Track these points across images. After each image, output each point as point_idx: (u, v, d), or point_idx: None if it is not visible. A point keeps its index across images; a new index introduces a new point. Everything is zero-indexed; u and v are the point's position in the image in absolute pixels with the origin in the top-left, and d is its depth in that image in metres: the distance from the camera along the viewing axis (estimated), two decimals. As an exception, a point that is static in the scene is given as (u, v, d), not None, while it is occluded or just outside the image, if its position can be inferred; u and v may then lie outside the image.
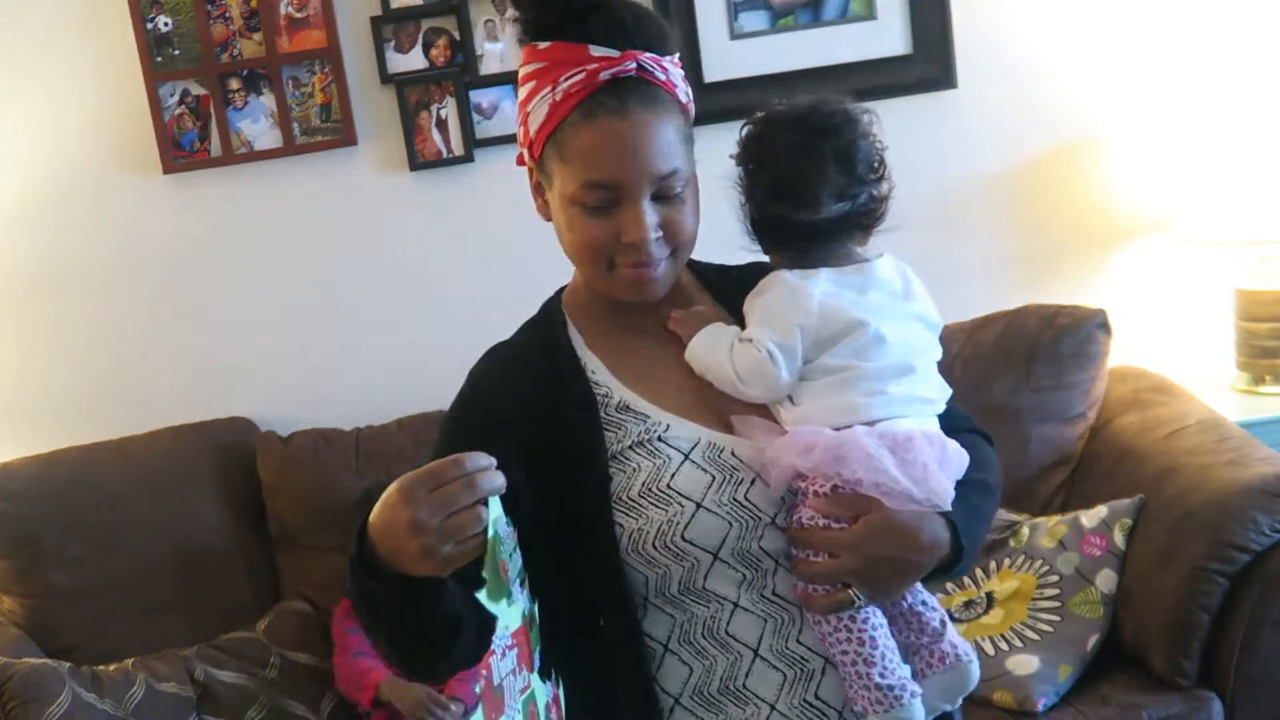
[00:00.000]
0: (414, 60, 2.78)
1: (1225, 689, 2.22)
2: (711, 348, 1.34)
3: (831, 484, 1.26)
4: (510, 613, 1.11)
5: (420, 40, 2.77)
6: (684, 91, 1.35)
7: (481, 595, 1.08)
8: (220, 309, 2.87)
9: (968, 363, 2.69)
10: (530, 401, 1.36)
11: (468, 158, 2.81)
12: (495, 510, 1.10)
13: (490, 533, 1.08)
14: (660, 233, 1.32)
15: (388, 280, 2.88)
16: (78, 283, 2.83)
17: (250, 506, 2.74)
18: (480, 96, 2.79)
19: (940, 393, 1.37)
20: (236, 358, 2.88)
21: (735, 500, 1.28)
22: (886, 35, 2.80)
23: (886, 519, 1.25)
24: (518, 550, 1.16)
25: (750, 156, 1.41)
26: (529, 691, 1.15)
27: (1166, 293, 2.89)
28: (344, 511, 2.60)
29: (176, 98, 2.76)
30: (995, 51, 2.83)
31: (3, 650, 2.44)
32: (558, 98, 1.28)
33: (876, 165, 1.42)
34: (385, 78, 2.78)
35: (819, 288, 1.33)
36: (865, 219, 1.39)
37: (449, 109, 2.78)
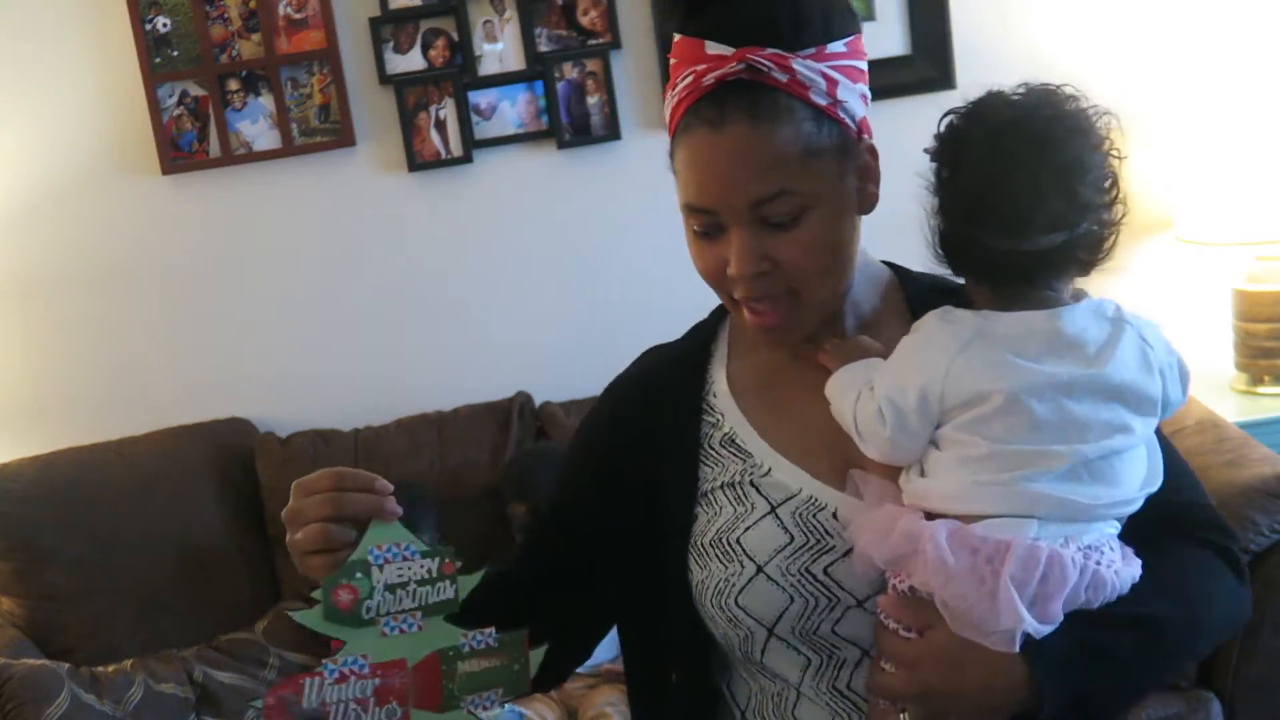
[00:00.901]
0: (413, 61, 2.78)
1: (1224, 689, 2.22)
2: (845, 387, 1.13)
3: (910, 583, 1.04)
4: (367, 641, 1.06)
5: (419, 41, 2.77)
6: (822, 92, 1.10)
7: (299, 614, 1.05)
8: (219, 310, 2.87)
9: (967, 363, 2.69)
10: (647, 417, 1.22)
11: (466, 158, 2.81)
12: (386, 534, 1.08)
13: (356, 555, 1.06)
14: (766, 267, 1.10)
15: (386, 281, 2.88)
16: (76, 284, 2.83)
17: (249, 507, 2.74)
18: (479, 97, 2.79)
19: (1128, 491, 1.06)
20: (235, 359, 2.88)
21: (807, 572, 1.10)
22: (885, 36, 2.80)
23: (948, 642, 1.02)
24: (445, 585, 1.09)
25: (948, 158, 1.16)
26: None
27: (1165, 293, 2.89)
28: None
29: (175, 98, 2.76)
30: (994, 52, 2.83)
31: (2, 651, 2.44)
32: (673, 103, 1.11)
33: (1108, 186, 1.15)
34: (384, 78, 2.78)
35: (963, 338, 1.08)
36: (1085, 253, 1.12)
37: (448, 110, 2.78)
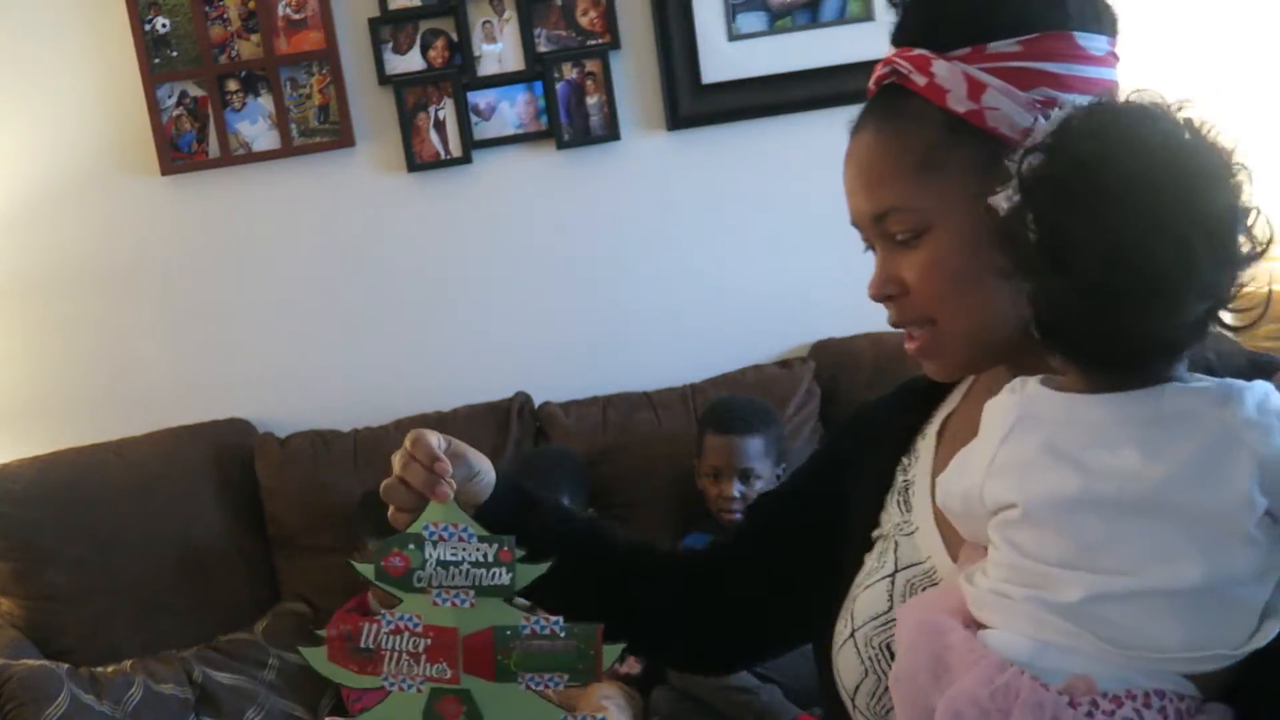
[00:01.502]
0: (412, 61, 2.78)
1: (1223, 690, 2.21)
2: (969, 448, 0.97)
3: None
4: (420, 605, 1.10)
5: (418, 41, 2.77)
6: (962, 98, 0.96)
7: (360, 563, 1.12)
8: (219, 310, 2.87)
9: (966, 364, 2.69)
10: (866, 441, 1.15)
11: (465, 159, 2.81)
12: (442, 513, 1.11)
13: (412, 528, 1.11)
14: (892, 289, 1.02)
15: (386, 281, 2.88)
16: (76, 284, 2.83)
17: (249, 508, 2.74)
18: (478, 98, 2.79)
19: (1166, 642, 0.84)
20: (235, 359, 2.88)
21: (887, 649, 1.01)
22: (885, 36, 2.79)
23: None
24: (500, 570, 1.10)
25: (1052, 206, 0.86)
26: (453, 691, 1.10)
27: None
28: (342, 513, 2.61)
29: (174, 99, 2.76)
30: (993, 53, 2.83)
31: (1, 651, 2.44)
32: None
33: (1253, 225, 0.90)
34: (383, 79, 2.78)
35: (1008, 422, 0.92)
36: (1217, 318, 0.88)
37: (447, 110, 2.78)
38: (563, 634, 1.08)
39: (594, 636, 1.07)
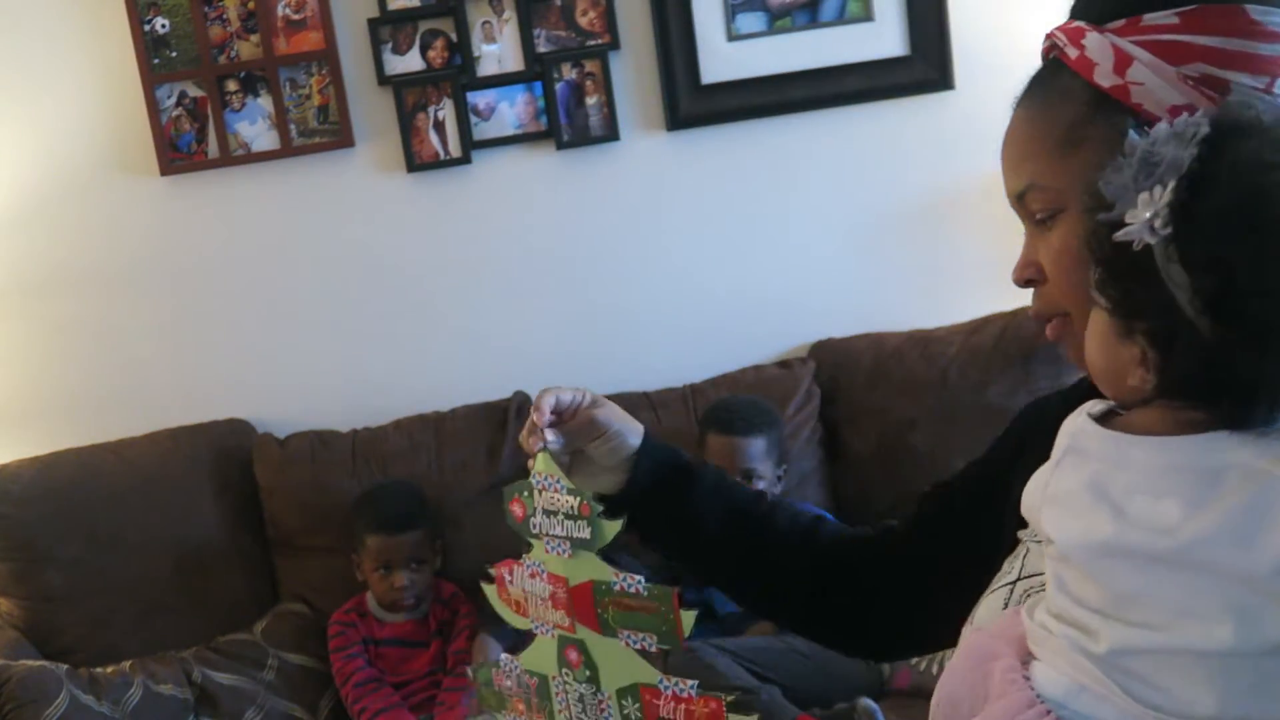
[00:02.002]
0: (411, 62, 2.78)
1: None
2: None
3: None
4: (539, 552, 1.14)
5: (417, 42, 2.77)
6: (1108, 72, 0.91)
7: (507, 487, 1.19)
8: (217, 311, 2.87)
9: (965, 364, 2.69)
10: (1032, 436, 1.06)
11: (465, 159, 2.80)
12: (547, 464, 1.15)
13: (531, 478, 1.16)
14: (1031, 273, 0.98)
15: (385, 282, 2.88)
16: (75, 285, 2.82)
17: (248, 508, 2.74)
18: (477, 98, 2.79)
19: (1224, 712, 0.78)
20: (234, 360, 2.88)
21: None
22: (884, 36, 2.80)
23: None
24: (583, 524, 1.11)
25: (1221, 244, 0.76)
26: (573, 640, 1.13)
27: (1164, 294, 2.89)
28: (341, 513, 2.61)
29: (174, 99, 2.76)
30: (993, 53, 2.83)
31: (1, 652, 2.44)
32: None
33: None
34: (382, 79, 2.78)
35: (1060, 448, 0.88)
36: None
37: (446, 111, 2.78)
38: (645, 594, 1.07)
39: (670, 598, 1.05)
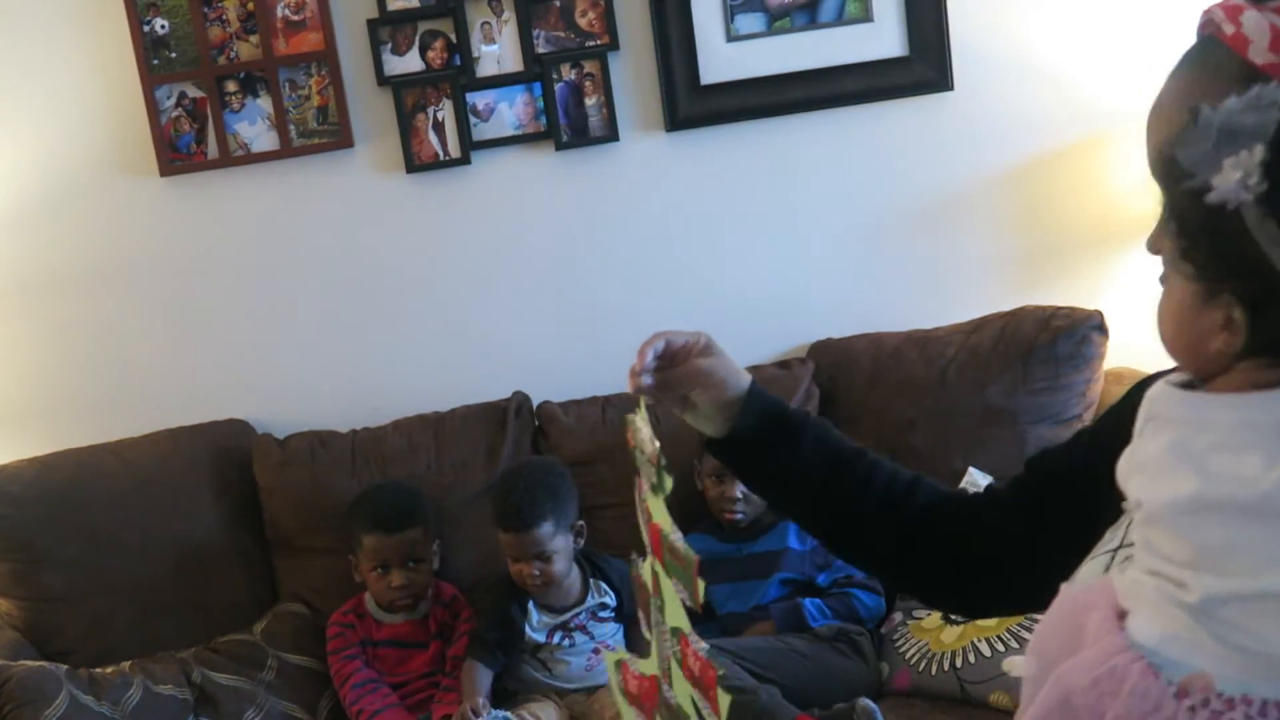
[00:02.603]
0: (411, 62, 2.78)
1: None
2: None
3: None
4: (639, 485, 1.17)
5: (417, 42, 2.77)
6: (1263, 49, 0.91)
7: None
8: (217, 311, 2.87)
9: (964, 365, 2.70)
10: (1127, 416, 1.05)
11: (464, 160, 2.81)
12: (643, 410, 1.18)
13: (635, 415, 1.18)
14: (1158, 247, 0.95)
15: (384, 282, 2.88)
16: (74, 285, 2.83)
17: (247, 509, 2.74)
18: (477, 99, 2.80)
19: None
20: (233, 360, 2.88)
21: None
22: (883, 37, 2.80)
23: None
24: (662, 475, 1.13)
25: None
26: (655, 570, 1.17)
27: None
28: (341, 513, 2.61)
29: (173, 100, 2.76)
30: (991, 53, 2.83)
31: (0, 652, 2.44)
32: None
33: None
34: (382, 80, 2.78)
35: (1142, 416, 0.93)
36: None
37: (446, 111, 2.78)
38: (681, 551, 1.10)
39: (692, 564, 1.09)
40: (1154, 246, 0.96)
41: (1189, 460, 0.86)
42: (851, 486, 1.31)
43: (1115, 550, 1.01)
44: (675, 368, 1.30)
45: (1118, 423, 1.08)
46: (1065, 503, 1.14)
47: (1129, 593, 0.90)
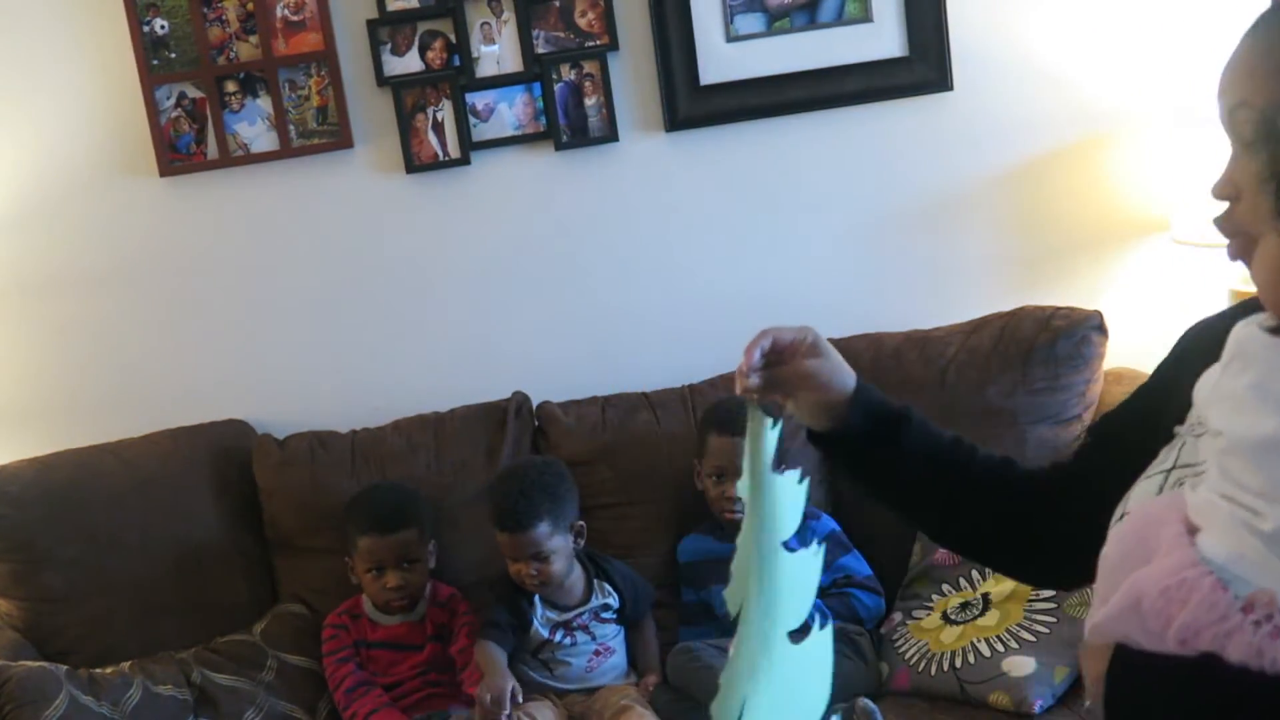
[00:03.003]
0: (410, 63, 2.78)
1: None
2: None
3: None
4: None
5: (416, 43, 2.77)
6: None
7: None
8: (216, 312, 2.87)
9: (964, 365, 2.69)
10: (1208, 348, 1.09)
11: (464, 160, 2.81)
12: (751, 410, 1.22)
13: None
14: (1229, 191, 0.98)
15: (384, 283, 2.88)
16: (74, 286, 2.83)
17: (247, 509, 2.74)
18: (476, 99, 2.80)
19: None
20: (233, 360, 2.88)
21: None
22: (882, 37, 2.80)
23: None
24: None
25: None
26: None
27: (1162, 295, 2.90)
28: (340, 514, 2.60)
29: (173, 100, 2.76)
30: (991, 54, 2.83)
31: (0, 653, 2.44)
32: None
33: None
34: (381, 80, 2.78)
35: (1228, 353, 1.00)
36: None
37: (445, 112, 2.79)
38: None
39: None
40: (1221, 192, 0.97)
41: (1270, 401, 0.92)
42: (955, 474, 1.36)
43: (1169, 471, 1.06)
44: (782, 365, 1.33)
45: (1172, 366, 1.18)
46: (1128, 459, 1.18)
47: (1201, 511, 0.95)
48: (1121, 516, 1.08)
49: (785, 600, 1.21)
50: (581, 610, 2.51)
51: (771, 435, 1.25)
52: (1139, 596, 0.93)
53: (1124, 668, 0.96)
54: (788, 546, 1.21)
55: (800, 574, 1.22)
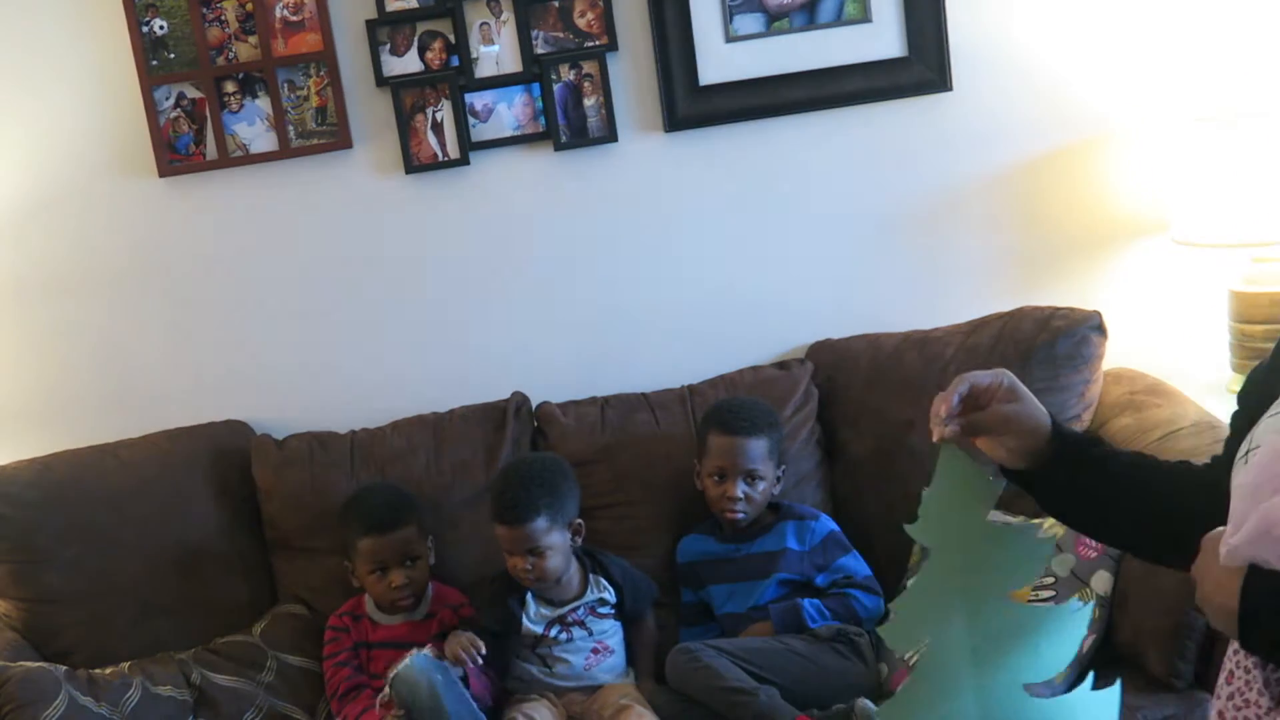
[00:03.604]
0: (409, 63, 2.78)
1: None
2: None
3: None
4: None
5: (415, 43, 2.77)
6: None
7: None
8: (215, 312, 2.87)
9: (963, 365, 2.69)
10: None
11: (463, 160, 2.81)
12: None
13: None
14: None
15: (383, 283, 2.88)
16: (73, 286, 2.83)
17: (246, 509, 2.74)
18: (475, 99, 2.80)
19: None
20: (232, 361, 2.88)
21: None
22: (881, 38, 2.80)
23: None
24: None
25: None
26: None
27: (1161, 295, 2.90)
28: (338, 514, 2.60)
29: (172, 101, 2.76)
30: (990, 54, 2.83)
31: (-1, 653, 2.44)
32: None
33: None
34: (380, 81, 2.78)
35: None
36: None
37: (444, 112, 2.78)
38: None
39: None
40: None
41: None
42: (1141, 491, 1.43)
43: (1252, 447, 1.18)
44: (979, 411, 1.38)
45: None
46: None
47: None
48: (1248, 452, 1.19)
49: (1018, 650, 1.26)
50: (576, 605, 2.51)
51: (993, 487, 1.30)
52: (1271, 524, 1.09)
53: (1257, 586, 1.12)
54: (1038, 597, 1.27)
55: (1049, 626, 1.27)
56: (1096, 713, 1.27)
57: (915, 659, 1.22)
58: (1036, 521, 2.47)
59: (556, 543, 2.46)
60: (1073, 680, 2.27)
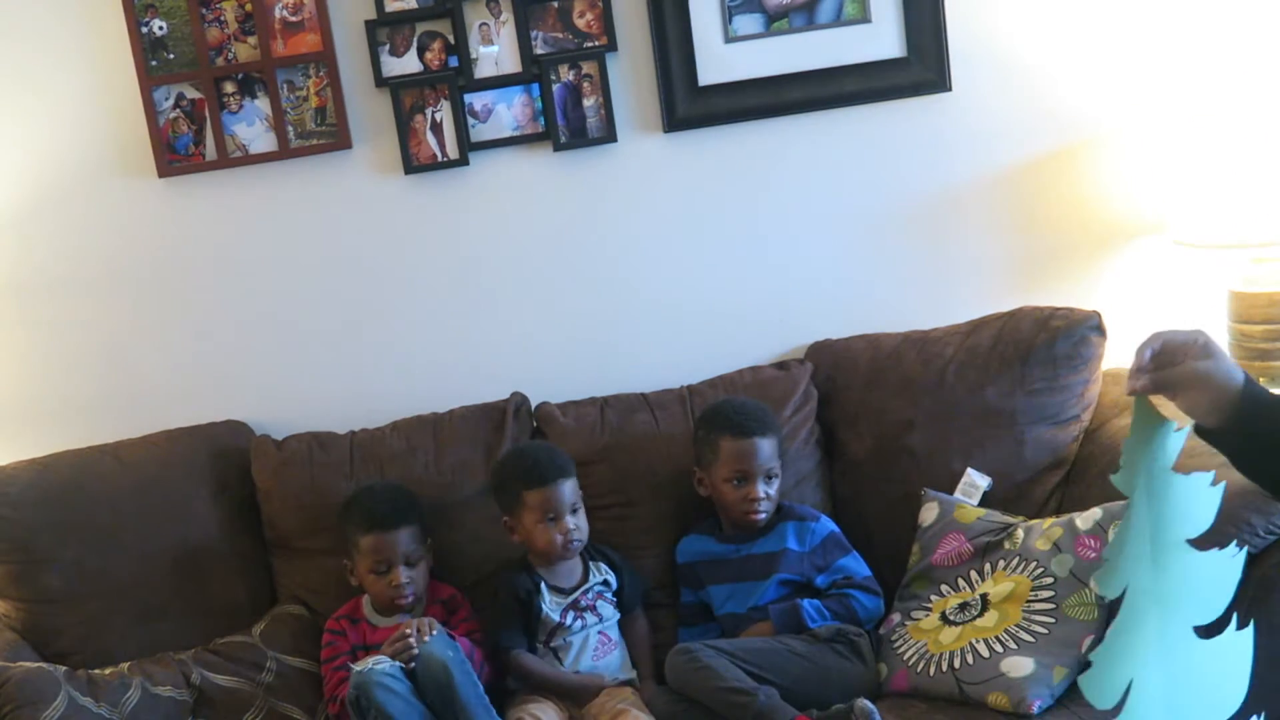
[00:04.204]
0: (409, 64, 2.78)
1: (1220, 690, 2.21)
2: None
3: None
4: None
5: (415, 44, 2.77)
6: None
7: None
8: (215, 313, 2.87)
9: (962, 365, 2.70)
10: None
11: (463, 161, 2.81)
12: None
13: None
14: None
15: (382, 283, 2.88)
16: (72, 287, 2.83)
17: (245, 510, 2.74)
18: (475, 100, 2.80)
19: None
20: (231, 361, 2.88)
21: None
22: (881, 38, 2.80)
23: None
24: None
25: None
26: None
27: (1161, 295, 2.90)
28: (339, 512, 2.60)
29: (171, 101, 2.76)
30: (989, 54, 2.83)
31: (-2, 654, 2.44)
32: None
33: None
34: (380, 81, 2.78)
35: None
36: None
37: (444, 112, 2.79)
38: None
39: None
40: None
41: None
42: None
43: None
44: (1173, 366, 1.41)
45: None
46: None
47: None
48: None
49: (1192, 595, 1.29)
50: (586, 588, 2.52)
51: (1176, 438, 1.34)
52: None
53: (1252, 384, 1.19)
54: (1199, 545, 1.29)
55: (1214, 572, 1.30)
56: (1241, 650, 1.31)
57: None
58: (1036, 521, 2.48)
59: (581, 502, 2.52)
60: (1069, 682, 2.28)
